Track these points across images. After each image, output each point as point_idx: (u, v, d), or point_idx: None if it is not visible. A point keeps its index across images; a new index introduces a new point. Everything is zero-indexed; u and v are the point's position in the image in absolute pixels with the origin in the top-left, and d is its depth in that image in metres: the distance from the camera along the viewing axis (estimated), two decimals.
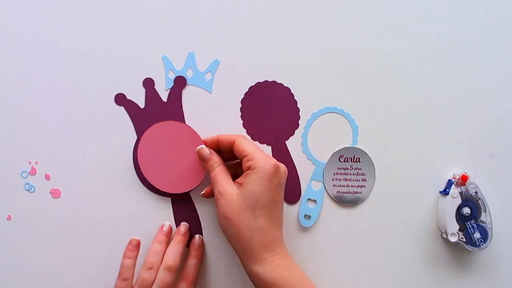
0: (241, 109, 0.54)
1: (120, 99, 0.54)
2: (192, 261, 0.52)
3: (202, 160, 0.52)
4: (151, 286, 0.49)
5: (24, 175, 0.54)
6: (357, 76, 0.54)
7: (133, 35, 0.54)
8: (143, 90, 0.54)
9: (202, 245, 0.54)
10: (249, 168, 0.48)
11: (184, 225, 0.53)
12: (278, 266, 0.47)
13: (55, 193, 0.55)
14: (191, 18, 0.54)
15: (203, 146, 0.52)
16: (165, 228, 0.53)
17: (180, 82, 0.54)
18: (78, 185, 0.54)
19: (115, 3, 0.54)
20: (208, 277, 0.55)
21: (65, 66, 0.54)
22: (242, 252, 0.48)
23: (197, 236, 0.54)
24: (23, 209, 0.54)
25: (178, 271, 0.51)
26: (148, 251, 0.51)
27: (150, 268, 0.50)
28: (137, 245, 0.52)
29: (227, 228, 0.48)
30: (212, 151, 0.52)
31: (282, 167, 0.49)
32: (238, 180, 0.49)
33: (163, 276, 0.49)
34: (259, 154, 0.48)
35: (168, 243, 0.52)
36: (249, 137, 0.54)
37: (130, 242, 0.52)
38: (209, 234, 0.55)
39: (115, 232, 0.54)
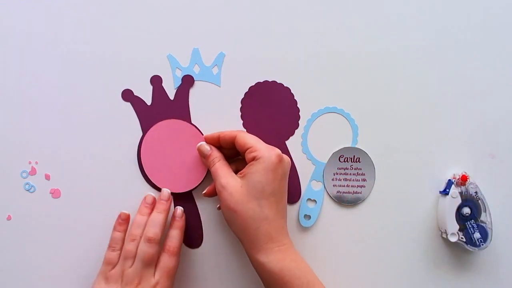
0: (241, 109, 0.54)
1: (127, 95, 0.54)
2: (173, 232, 0.52)
3: (203, 156, 0.52)
4: (135, 257, 0.49)
5: (24, 175, 0.54)
6: (357, 76, 0.54)
7: (138, 35, 0.54)
8: (149, 90, 0.54)
9: (182, 215, 0.53)
10: (253, 159, 0.48)
11: (166, 192, 0.53)
12: (283, 257, 0.47)
13: (55, 193, 0.55)
14: (193, 15, 0.54)
15: (203, 142, 0.52)
16: (148, 200, 0.53)
17: (187, 81, 0.54)
18: (78, 185, 0.54)
19: (116, 3, 0.54)
20: (209, 273, 0.55)
21: (65, 66, 0.54)
22: (248, 242, 0.48)
23: (178, 207, 0.53)
24: (23, 209, 0.54)
25: (160, 242, 0.50)
26: (132, 223, 0.52)
27: (133, 240, 0.50)
28: (126, 218, 0.53)
29: (232, 220, 0.48)
30: (212, 147, 0.52)
31: (286, 157, 0.49)
32: (242, 171, 0.49)
33: (144, 248, 0.49)
34: (262, 145, 0.49)
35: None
36: None
37: (119, 216, 0.52)
38: (210, 231, 0.55)
39: None
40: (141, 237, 0.50)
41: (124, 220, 0.52)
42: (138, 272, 0.49)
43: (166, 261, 0.50)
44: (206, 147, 0.52)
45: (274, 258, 0.47)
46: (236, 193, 0.47)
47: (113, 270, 0.50)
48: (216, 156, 0.51)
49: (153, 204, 0.53)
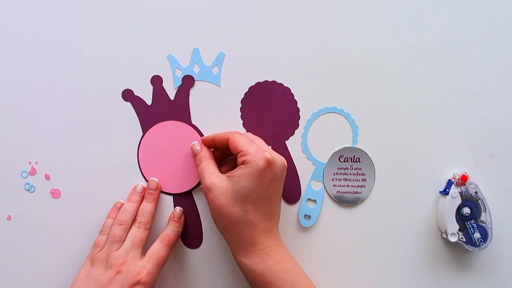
0: (241, 109, 0.54)
1: (128, 95, 0.54)
2: (171, 228, 0.53)
3: (194, 156, 0.53)
4: (121, 240, 0.50)
5: (24, 175, 0.54)
6: (357, 76, 0.54)
7: (138, 35, 0.54)
8: (150, 90, 0.54)
9: (182, 216, 0.54)
10: (243, 163, 0.48)
11: (153, 181, 0.54)
12: (266, 259, 0.48)
13: (55, 193, 0.55)
14: (193, 15, 0.54)
15: (195, 142, 0.53)
16: (138, 189, 0.54)
17: (187, 81, 0.54)
18: (78, 185, 0.54)
19: (116, 4, 0.54)
20: (209, 273, 0.55)
21: (65, 66, 0.54)
22: (232, 243, 0.49)
23: (177, 208, 0.54)
24: (23, 209, 0.54)
25: (150, 228, 0.52)
26: (121, 210, 0.52)
27: (121, 224, 0.51)
28: (121, 207, 0.53)
29: (218, 221, 0.49)
30: (203, 146, 0.53)
31: (279, 160, 0.48)
32: (230, 172, 0.49)
33: (135, 231, 0.51)
34: (252, 149, 0.48)
35: (140, 202, 0.53)
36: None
37: (114, 205, 0.54)
38: (209, 231, 0.55)
39: None
40: (128, 223, 0.51)
41: (118, 209, 0.53)
42: (125, 252, 0.49)
43: (159, 248, 0.51)
44: (196, 147, 0.53)
45: (256, 260, 0.48)
46: (221, 196, 0.47)
47: (99, 252, 0.50)
48: (202, 155, 0.52)
49: (142, 192, 0.54)
